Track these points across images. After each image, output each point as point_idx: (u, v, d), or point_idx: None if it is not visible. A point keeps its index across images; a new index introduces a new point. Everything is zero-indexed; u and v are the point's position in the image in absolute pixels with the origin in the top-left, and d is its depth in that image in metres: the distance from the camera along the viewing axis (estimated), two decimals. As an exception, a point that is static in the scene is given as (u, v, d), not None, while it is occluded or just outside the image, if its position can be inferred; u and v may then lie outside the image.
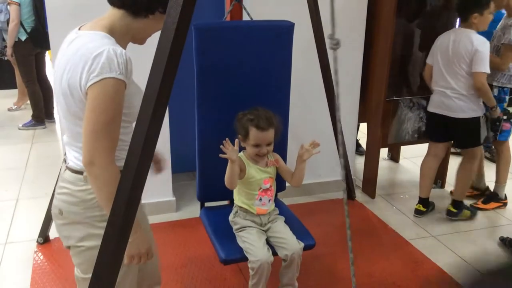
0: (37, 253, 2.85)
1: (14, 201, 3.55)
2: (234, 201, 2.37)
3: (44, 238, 2.93)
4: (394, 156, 4.54)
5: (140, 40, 1.61)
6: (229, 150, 2.10)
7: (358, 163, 4.05)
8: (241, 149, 2.31)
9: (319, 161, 3.62)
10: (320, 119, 3.50)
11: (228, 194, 2.39)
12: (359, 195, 3.74)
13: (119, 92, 1.40)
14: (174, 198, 3.40)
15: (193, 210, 3.40)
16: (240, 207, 2.32)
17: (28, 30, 4.91)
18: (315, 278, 2.67)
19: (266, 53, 2.46)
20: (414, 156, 4.46)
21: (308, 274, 2.66)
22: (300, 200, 3.56)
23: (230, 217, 2.36)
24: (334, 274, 2.73)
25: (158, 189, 3.23)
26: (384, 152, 4.55)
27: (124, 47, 1.53)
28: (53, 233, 2.95)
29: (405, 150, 4.48)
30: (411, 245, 3.05)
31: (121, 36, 1.52)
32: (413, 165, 4.35)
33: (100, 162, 1.40)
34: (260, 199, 2.28)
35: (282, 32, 2.48)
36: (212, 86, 2.42)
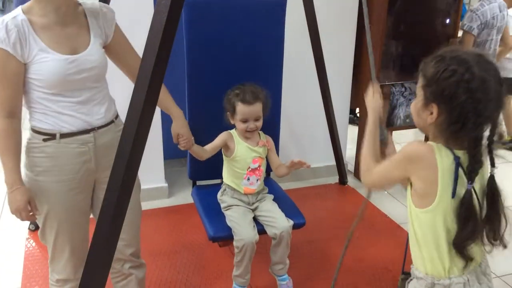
0: (29, 240, 2.84)
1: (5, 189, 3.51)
2: (223, 179, 2.37)
3: (35, 225, 2.90)
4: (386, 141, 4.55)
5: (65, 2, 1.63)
6: (181, 143, 2.15)
7: (350, 148, 4.06)
8: (233, 126, 2.32)
9: (311, 147, 3.63)
10: (312, 105, 3.50)
11: (219, 173, 2.39)
12: (351, 180, 3.76)
13: None
14: (166, 184, 3.39)
15: (185, 196, 3.40)
16: (228, 185, 2.32)
17: None
18: (308, 262, 2.69)
19: (258, 29, 2.44)
20: (405, 141, 4.47)
21: (300, 258, 2.67)
22: (292, 186, 3.56)
23: (218, 195, 2.37)
24: (326, 258, 2.74)
25: (150, 175, 3.21)
26: (375, 137, 4.56)
27: (57, 18, 1.61)
28: (44, 220, 2.94)
29: (396, 135, 4.49)
30: (403, 230, 3.07)
31: (42, 9, 1.59)
32: (405, 150, 4.36)
33: None
34: (248, 179, 2.28)
35: (274, 7, 2.47)
36: (202, 62, 2.40)
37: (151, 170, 3.20)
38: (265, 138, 2.36)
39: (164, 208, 3.25)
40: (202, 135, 2.19)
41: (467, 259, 1.33)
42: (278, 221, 2.21)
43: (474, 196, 1.29)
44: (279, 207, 2.30)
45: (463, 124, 1.24)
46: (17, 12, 1.56)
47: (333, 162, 3.61)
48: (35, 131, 1.67)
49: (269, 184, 2.47)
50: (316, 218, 3.10)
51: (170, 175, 3.55)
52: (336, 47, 3.44)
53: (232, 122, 2.29)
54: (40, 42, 1.57)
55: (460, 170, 1.28)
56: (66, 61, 1.59)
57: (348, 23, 3.47)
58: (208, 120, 2.30)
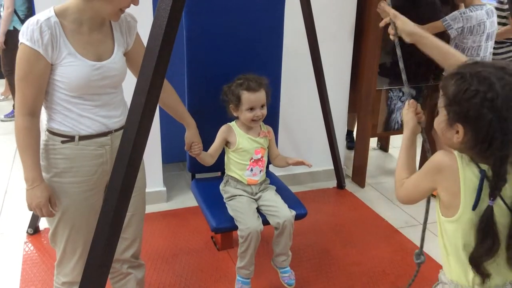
0: (27, 243, 2.83)
1: (3, 193, 3.52)
2: (225, 171, 2.38)
3: (34, 229, 2.91)
4: (384, 146, 4.57)
5: (108, 16, 1.65)
6: (196, 150, 2.20)
7: (348, 153, 4.07)
8: (233, 118, 2.34)
9: (309, 151, 3.64)
10: (310, 109, 3.51)
11: (218, 166, 2.40)
12: (349, 184, 3.77)
13: (28, 57, 1.55)
14: (164, 188, 3.39)
15: (184, 200, 3.41)
16: (231, 176, 2.33)
17: (22, 18, 4.81)
18: (306, 266, 2.69)
19: (257, 20, 2.46)
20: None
21: (298, 262, 2.67)
22: (291, 190, 3.56)
23: (221, 186, 2.38)
24: (325, 262, 2.74)
25: (148, 179, 3.18)
26: (373, 141, 4.58)
27: (89, 25, 1.64)
28: (42, 224, 2.94)
29: (394, 139, 4.51)
30: (401, 233, 3.08)
31: (76, 15, 1.61)
32: (402, 155, 4.38)
33: (16, 110, 1.61)
34: (251, 170, 2.30)
35: None
36: (202, 54, 2.41)
37: (150, 174, 3.16)
38: (266, 129, 2.38)
39: (163, 212, 3.25)
40: (202, 127, 2.20)
41: (483, 275, 1.30)
42: (280, 211, 2.22)
43: (497, 213, 1.26)
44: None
45: (490, 143, 1.21)
46: (50, 14, 1.57)
47: (331, 166, 3.62)
48: (53, 133, 1.68)
49: (268, 176, 2.48)
50: (314, 222, 3.11)
51: (168, 179, 3.56)
52: (334, 52, 3.46)
53: (235, 114, 2.30)
54: (69, 46, 1.59)
55: (486, 184, 1.26)
56: (92, 67, 1.62)
57: (346, 31, 3.49)
58: (208, 112, 2.32)
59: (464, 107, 1.22)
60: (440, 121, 1.32)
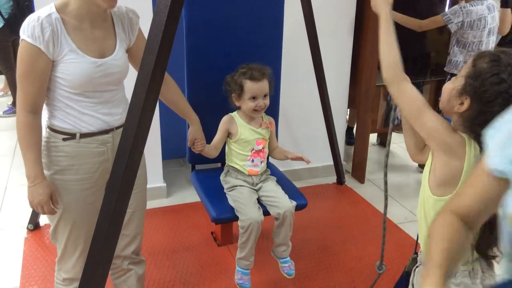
0: (28, 239, 2.83)
1: (3, 189, 3.52)
2: (226, 161, 2.38)
3: (34, 225, 2.91)
4: (383, 141, 4.57)
5: (101, 3, 1.61)
6: (198, 147, 2.20)
7: (348, 148, 4.07)
8: (235, 109, 2.33)
9: (309, 147, 3.64)
10: (310, 105, 3.51)
11: (219, 157, 2.39)
12: (349, 180, 3.77)
13: (29, 53, 1.55)
14: (164, 184, 3.39)
15: (184, 196, 3.41)
16: (232, 166, 2.34)
17: (5, 16, 4.75)
18: (306, 262, 2.70)
19: (257, 11, 2.45)
20: (402, 141, 4.49)
21: (298, 257, 2.67)
22: (290, 185, 3.57)
23: (222, 177, 2.38)
24: (324, 258, 2.75)
25: (148, 175, 3.20)
26: (373, 137, 4.58)
27: (90, 21, 1.62)
28: (43, 220, 2.94)
29: (394, 135, 4.51)
30: (400, 229, 3.08)
31: (77, 10, 1.60)
32: (402, 150, 4.38)
33: (18, 106, 1.61)
34: (252, 160, 2.30)
35: None
36: (201, 45, 2.40)
37: (150, 170, 3.14)
38: (268, 120, 2.38)
39: (163, 208, 3.26)
40: (202, 119, 2.19)
41: (489, 258, 1.37)
42: (281, 201, 2.22)
43: None
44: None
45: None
46: (51, 10, 1.56)
47: (330, 162, 3.62)
48: (54, 130, 1.68)
49: (269, 167, 2.49)
50: (313, 217, 3.11)
51: (168, 175, 3.56)
52: (334, 47, 3.46)
53: (238, 103, 2.29)
54: (71, 42, 1.58)
55: None
56: (94, 64, 1.61)
57: (346, 26, 3.49)
58: (208, 104, 2.31)
59: (483, 87, 1.25)
60: (452, 87, 1.35)
